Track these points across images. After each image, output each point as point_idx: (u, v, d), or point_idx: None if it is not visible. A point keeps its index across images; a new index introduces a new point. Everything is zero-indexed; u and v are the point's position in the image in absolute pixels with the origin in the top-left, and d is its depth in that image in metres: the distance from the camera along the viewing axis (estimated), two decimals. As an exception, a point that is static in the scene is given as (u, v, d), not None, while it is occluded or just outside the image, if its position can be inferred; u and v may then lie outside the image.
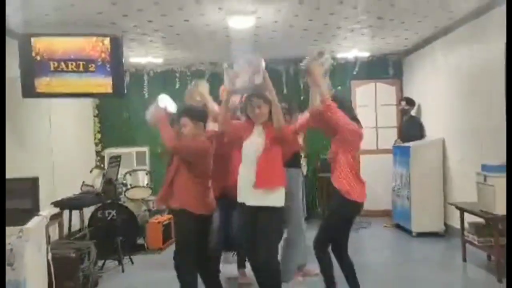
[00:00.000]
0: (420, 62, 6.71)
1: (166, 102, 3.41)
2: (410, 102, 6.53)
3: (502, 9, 4.27)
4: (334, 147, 3.29)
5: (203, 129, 3.34)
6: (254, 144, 3.14)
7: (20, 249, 3.25)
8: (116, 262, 4.85)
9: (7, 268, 3.24)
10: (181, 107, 3.41)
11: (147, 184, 6.04)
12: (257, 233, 3.08)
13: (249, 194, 3.10)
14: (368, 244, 5.75)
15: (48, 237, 3.75)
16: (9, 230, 3.23)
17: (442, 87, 5.84)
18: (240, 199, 3.18)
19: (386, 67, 7.40)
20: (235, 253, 4.33)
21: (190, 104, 3.61)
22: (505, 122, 3.74)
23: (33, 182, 3.56)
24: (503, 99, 3.89)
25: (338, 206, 3.26)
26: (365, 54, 7.05)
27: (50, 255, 3.63)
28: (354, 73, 7.39)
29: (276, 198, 3.09)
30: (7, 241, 3.22)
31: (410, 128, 6.48)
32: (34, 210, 3.52)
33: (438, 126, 5.97)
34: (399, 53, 7.14)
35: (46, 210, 3.76)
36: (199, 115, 3.33)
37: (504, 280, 3.77)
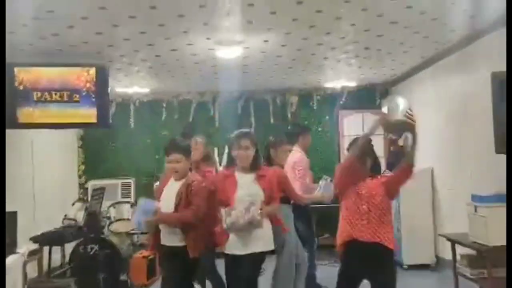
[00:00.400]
0: (407, 92, 6.75)
1: (147, 207, 3.24)
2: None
3: (487, 38, 4.39)
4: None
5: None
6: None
7: (-5, 289, 3.08)
8: (98, 303, 4.66)
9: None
10: (170, 143, 3.30)
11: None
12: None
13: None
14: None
15: (25, 275, 3.58)
16: (-17, 268, 3.07)
17: (430, 116, 5.86)
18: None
19: (374, 97, 7.46)
20: None
21: (176, 139, 3.51)
22: (494, 150, 3.74)
23: (11, 217, 3.42)
24: (491, 127, 3.89)
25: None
26: (352, 84, 7.10)
27: (29, 293, 3.47)
28: (341, 103, 7.43)
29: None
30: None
31: (397, 158, 6.46)
32: (11, 247, 3.37)
33: (426, 156, 5.94)
34: (386, 82, 7.21)
35: (24, 247, 3.62)
36: (188, 149, 3.32)
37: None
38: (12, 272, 3.26)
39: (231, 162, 3.28)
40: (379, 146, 7.20)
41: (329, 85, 7.02)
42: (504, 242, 3.77)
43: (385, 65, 5.91)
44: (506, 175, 3.46)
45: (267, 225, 3.10)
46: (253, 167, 3.17)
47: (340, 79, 6.63)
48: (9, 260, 3.26)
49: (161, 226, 3.16)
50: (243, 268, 3.01)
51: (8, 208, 3.56)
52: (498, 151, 3.66)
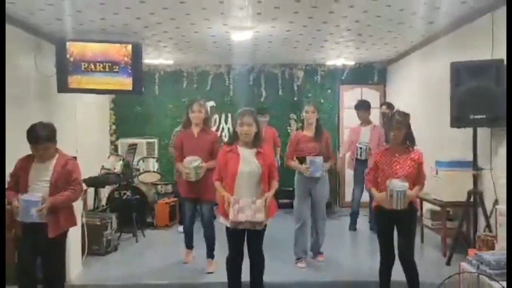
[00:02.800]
0: (400, 71, 7.60)
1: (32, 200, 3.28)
2: (390, 106, 7.37)
3: (464, 29, 5.09)
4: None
5: None
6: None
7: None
8: (131, 235, 5.74)
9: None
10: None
11: (157, 169, 6.91)
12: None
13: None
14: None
15: (84, 204, 4.66)
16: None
17: (414, 94, 6.73)
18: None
19: (372, 74, 8.26)
20: None
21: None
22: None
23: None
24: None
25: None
26: (352, 62, 7.91)
27: (84, 219, 4.55)
28: (343, 78, 8.27)
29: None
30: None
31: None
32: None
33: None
34: (384, 61, 8.00)
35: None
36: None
37: (447, 254, 4.67)
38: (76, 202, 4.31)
39: (234, 138, 3.58)
40: (375, 119, 8.19)
41: (330, 62, 7.85)
42: (455, 199, 4.79)
43: (379, 47, 6.72)
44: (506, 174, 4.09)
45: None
46: (254, 143, 3.51)
47: (340, 57, 7.46)
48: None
49: None
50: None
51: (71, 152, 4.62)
52: (452, 126, 4.57)
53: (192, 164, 4.31)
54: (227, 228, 3.51)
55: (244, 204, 3.32)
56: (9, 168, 3.53)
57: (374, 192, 3.67)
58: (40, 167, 3.33)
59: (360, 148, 6.15)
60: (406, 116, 3.59)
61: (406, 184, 3.42)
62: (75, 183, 3.39)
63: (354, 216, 6.31)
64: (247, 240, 3.57)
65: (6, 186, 3.48)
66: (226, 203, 3.37)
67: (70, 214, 3.51)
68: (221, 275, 3.83)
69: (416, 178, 3.56)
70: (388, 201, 3.44)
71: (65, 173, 3.35)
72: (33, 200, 3.22)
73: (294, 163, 4.65)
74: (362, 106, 6.44)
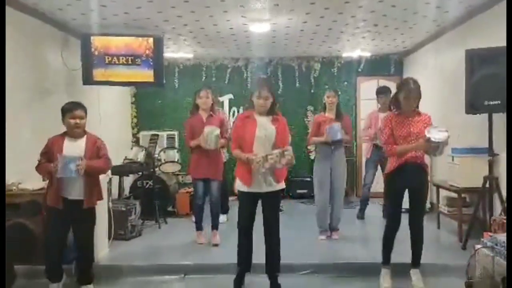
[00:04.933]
0: (416, 62, 7.64)
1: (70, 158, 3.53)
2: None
3: (480, 17, 5.15)
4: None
5: None
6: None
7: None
8: (153, 222, 5.96)
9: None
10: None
11: (178, 160, 7.11)
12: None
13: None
14: (367, 218, 6.65)
15: (109, 191, 4.87)
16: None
17: (431, 84, 6.76)
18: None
19: (388, 65, 8.31)
20: None
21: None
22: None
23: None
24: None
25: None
26: (368, 54, 7.98)
27: (111, 204, 4.76)
28: (359, 70, 8.34)
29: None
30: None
31: None
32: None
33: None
34: (400, 52, 8.04)
35: (107, 172, 4.88)
36: None
37: (463, 239, 4.75)
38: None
39: (251, 106, 3.76)
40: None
41: (347, 54, 7.93)
42: (471, 185, 4.85)
43: (395, 37, 6.78)
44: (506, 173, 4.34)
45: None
46: (270, 112, 3.71)
47: (356, 49, 7.53)
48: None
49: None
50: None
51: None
52: (467, 112, 4.64)
53: (213, 133, 4.70)
54: (242, 193, 3.71)
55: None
56: (34, 156, 3.69)
57: (404, 147, 3.70)
58: (73, 144, 3.60)
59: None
60: (417, 82, 3.81)
61: (446, 130, 3.56)
62: (105, 157, 3.72)
63: (364, 204, 6.39)
64: (263, 209, 3.74)
65: (37, 164, 3.67)
66: (252, 162, 3.45)
67: (100, 190, 3.87)
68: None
69: None
70: (427, 149, 3.63)
71: (96, 150, 3.67)
72: (72, 156, 3.45)
73: (316, 138, 5.10)
74: (384, 91, 6.41)
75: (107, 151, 3.79)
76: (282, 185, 3.73)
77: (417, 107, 3.82)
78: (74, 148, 3.57)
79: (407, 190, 3.83)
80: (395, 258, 3.96)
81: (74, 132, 3.61)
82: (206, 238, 5.10)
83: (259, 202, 3.72)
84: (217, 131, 4.73)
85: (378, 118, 6.19)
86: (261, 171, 3.50)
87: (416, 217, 3.83)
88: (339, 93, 8.15)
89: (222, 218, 5.69)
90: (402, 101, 3.73)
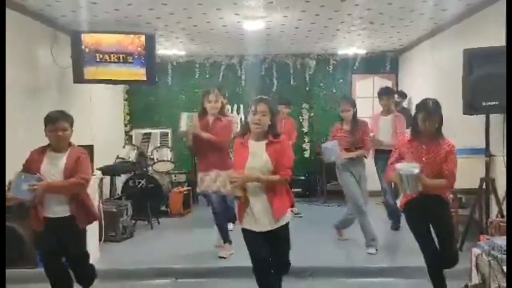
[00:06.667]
0: (412, 59, 7.57)
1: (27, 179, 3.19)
2: (402, 95, 7.37)
3: (477, 15, 5.07)
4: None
5: None
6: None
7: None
8: (146, 222, 5.86)
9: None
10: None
11: (171, 159, 7.01)
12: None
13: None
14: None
15: (101, 192, 4.77)
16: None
17: (427, 82, 6.70)
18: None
19: (384, 63, 8.25)
20: None
21: None
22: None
23: (89, 149, 4.57)
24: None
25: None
26: (364, 51, 7.90)
27: (102, 206, 4.66)
28: (355, 67, 8.26)
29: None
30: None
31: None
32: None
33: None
34: (396, 50, 7.97)
35: (98, 172, 4.79)
36: None
37: (459, 241, 4.69)
38: (90, 189, 4.42)
39: (245, 129, 3.20)
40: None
41: (342, 52, 7.84)
42: (467, 186, 4.78)
43: (391, 35, 6.70)
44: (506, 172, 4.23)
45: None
46: (267, 135, 3.07)
47: (352, 46, 7.45)
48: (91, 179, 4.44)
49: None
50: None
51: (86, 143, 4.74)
52: (465, 113, 4.57)
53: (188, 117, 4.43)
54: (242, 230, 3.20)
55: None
56: (24, 158, 3.51)
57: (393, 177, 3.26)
58: (54, 157, 3.26)
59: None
60: (438, 104, 3.44)
61: (417, 166, 3.11)
62: (81, 175, 3.24)
63: (394, 215, 5.76)
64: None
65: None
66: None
67: (94, 207, 3.56)
68: (236, 260, 3.91)
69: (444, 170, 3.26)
70: (400, 186, 3.19)
71: (76, 167, 3.25)
72: (29, 174, 3.12)
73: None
74: (386, 93, 5.88)
75: (88, 168, 3.38)
76: (283, 220, 3.08)
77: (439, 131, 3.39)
78: (54, 164, 3.24)
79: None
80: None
81: (56, 146, 3.27)
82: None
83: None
84: (192, 115, 4.45)
85: (378, 121, 5.74)
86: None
87: (448, 253, 3.37)
88: (334, 91, 8.19)
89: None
90: (420, 122, 3.35)
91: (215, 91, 4.58)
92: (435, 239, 3.37)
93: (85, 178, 3.27)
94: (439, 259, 3.35)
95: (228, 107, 8.11)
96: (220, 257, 4.49)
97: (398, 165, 3.19)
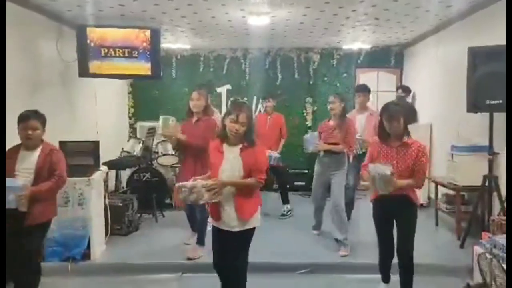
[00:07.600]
0: (417, 55, 7.56)
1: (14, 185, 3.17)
2: (406, 90, 7.37)
3: (483, 12, 5.05)
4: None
5: None
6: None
7: (88, 195, 4.34)
8: (151, 216, 5.92)
9: (78, 207, 4.33)
10: None
11: (175, 152, 7.03)
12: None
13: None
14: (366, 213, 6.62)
15: (106, 187, 4.83)
16: (78, 180, 4.31)
17: (431, 78, 6.70)
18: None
19: (389, 57, 8.22)
20: None
21: None
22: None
23: (95, 145, 4.63)
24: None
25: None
26: (368, 46, 7.88)
27: (107, 201, 4.72)
28: (359, 62, 8.25)
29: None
30: (77, 186, 4.30)
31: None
32: (95, 166, 4.59)
33: (427, 113, 6.85)
34: (401, 45, 7.95)
35: (103, 167, 4.84)
36: None
37: (461, 238, 4.74)
38: (97, 184, 4.49)
39: (224, 134, 3.10)
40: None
41: (347, 46, 7.82)
42: (470, 183, 4.82)
43: (396, 31, 6.68)
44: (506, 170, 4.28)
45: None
46: (242, 140, 3.06)
47: (357, 41, 7.43)
48: (96, 174, 4.49)
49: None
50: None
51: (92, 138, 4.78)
52: (469, 111, 4.58)
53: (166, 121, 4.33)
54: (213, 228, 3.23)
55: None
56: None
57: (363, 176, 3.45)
58: (26, 155, 3.33)
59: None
60: (401, 107, 3.50)
61: (389, 168, 3.19)
62: (58, 174, 3.32)
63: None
64: None
65: None
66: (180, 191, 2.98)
67: (52, 204, 3.47)
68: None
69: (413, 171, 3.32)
70: (372, 186, 3.30)
71: (49, 162, 3.32)
72: (13, 185, 3.11)
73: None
74: (362, 90, 5.71)
75: (63, 165, 3.41)
76: (250, 224, 3.08)
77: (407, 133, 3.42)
78: (27, 161, 3.31)
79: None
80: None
81: (26, 144, 3.34)
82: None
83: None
84: (168, 118, 4.31)
85: (355, 121, 5.33)
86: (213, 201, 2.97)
87: (401, 249, 3.51)
88: (337, 85, 8.17)
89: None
90: (386, 125, 3.38)
91: (197, 89, 4.54)
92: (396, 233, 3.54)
93: (61, 178, 3.34)
94: (391, 253, 3.59)
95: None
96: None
97: (371, 166, 3.29)
